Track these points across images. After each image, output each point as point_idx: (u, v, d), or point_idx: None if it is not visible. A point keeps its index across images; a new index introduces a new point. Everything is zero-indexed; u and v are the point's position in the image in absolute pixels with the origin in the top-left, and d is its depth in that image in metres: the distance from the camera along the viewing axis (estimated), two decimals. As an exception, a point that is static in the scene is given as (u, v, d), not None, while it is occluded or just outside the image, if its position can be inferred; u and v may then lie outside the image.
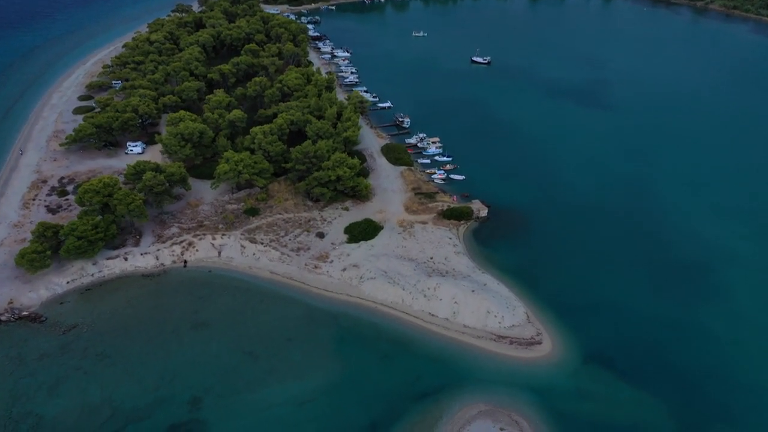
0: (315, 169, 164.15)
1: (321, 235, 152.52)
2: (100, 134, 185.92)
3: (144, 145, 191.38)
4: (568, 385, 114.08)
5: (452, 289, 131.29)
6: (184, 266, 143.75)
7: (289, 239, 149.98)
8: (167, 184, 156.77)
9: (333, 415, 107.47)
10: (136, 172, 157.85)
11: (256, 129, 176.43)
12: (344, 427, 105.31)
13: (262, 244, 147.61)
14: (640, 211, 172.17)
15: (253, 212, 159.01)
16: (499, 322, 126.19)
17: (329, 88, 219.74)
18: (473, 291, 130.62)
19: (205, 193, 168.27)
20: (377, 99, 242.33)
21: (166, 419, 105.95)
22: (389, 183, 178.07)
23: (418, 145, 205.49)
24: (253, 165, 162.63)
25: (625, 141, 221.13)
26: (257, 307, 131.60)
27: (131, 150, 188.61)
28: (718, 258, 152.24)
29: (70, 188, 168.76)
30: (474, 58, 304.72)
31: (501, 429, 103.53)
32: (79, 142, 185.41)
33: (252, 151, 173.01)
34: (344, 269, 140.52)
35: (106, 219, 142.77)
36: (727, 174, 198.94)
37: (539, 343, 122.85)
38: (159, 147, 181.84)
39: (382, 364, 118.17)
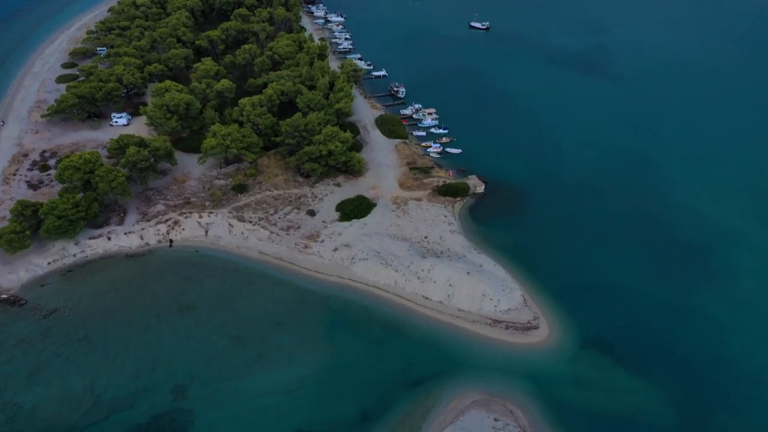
0: (305, 144, 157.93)
1: (312, 213, 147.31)
2: (83, 105, 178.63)
3: (129, 117, 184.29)
4: (565, 372, 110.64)
5: (447, 271, 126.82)
6: (170, 246, 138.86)
7: (279, 217, 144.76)
8: (152, 160, 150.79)
9: (322, 404, 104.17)
10: (119, 147, 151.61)
11: (244, 100, 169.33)
12: (333, 418, 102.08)
13: (250, 222, 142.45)
14: (641, 188, 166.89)
15: (241, 189, 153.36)
16: (495, 306, 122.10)
17: (322, 56, 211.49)
18: (468, 273, 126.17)
19: (193, 168, 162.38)
20: (372, 67, 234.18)
21: (150, 409, 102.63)
22: (383, 157, 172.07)
23: (414, 116, 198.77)
24: (241, 139, 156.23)
25: (627, 112, 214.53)
26: (245, 289, 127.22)
27: (116, 122, 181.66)
28: (721, 238, 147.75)
29: (52, 162, 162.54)
30: (472, 24, 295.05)
31: (495, 419, 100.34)
32: (62, 114, 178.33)
33: (241, 124, 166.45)
34: (335, 249, 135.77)
35: (88, 197, 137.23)
36: (733, 148, 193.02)
37: (536, 327, 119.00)
38: (145, 119, 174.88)
39: (373, 350, 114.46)
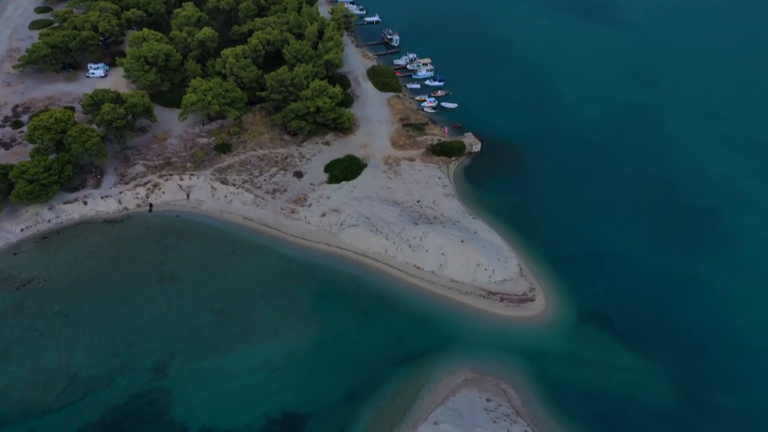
0: (292, 99, 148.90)
1: (299, 175, 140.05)
2: (56, 55, 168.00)
3: (107, 68, 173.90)
4: (561, 348, 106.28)
5: (440, 239, 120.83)
6: (150, 210, 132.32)
7: (264, 179, 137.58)
8: (129, 117, 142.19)
9: (307, 383, 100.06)
10: (94, 103, 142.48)
11: (227, 51, 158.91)
12: (319, 398, 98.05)
13: (234, 185, 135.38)
14: (645, 146, 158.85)
15: (224, 149, 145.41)
16: (489, 276, 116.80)
17: (310, 1, 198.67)
18: (462, 241, 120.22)
19: (174, 125, 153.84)
20: (364, 12, 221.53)
21: (128, 388, 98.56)
22: (375, 112, 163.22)
23: (408, 67, 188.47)
24: (223, 94, 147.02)
25: (633, 61, 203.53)
26: (228, 258, 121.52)
27: (93, 73, 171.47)
28: (730, 200, 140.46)
29: (25, 118, 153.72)
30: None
31: (487, 400, 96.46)
32: (35, 64, 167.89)
33: (223, 77, 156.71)
34: (323, 214, 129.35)
35: (61, 159, 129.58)
36: (746, 101, 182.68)
37: (532, 300, 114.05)
38: (122, 71, 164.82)
39: (361, 324, 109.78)
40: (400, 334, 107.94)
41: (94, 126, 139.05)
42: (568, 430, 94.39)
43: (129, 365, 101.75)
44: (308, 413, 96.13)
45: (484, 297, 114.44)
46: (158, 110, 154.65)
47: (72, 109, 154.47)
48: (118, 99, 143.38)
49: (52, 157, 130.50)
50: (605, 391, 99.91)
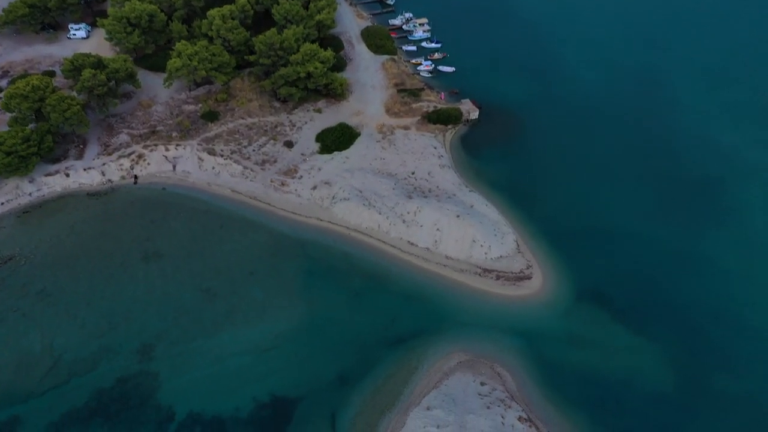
0: (281, 64, 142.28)
1: (289, 145, 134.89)
2: (35, 15, 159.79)
3: (89, 28, 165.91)
4: (558, 329, 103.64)
5: (434, 214, 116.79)
6: (135, 183, 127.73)
7: (253, 150, 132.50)
8: (111, 84, 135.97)
9: (297, 366, 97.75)
10: (75, 68, 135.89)
11: (213, 12, 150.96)
12: (309, 381, 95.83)
13: (222, 156, 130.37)
14: (649, 113, 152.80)
15: (211, 117, 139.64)
16: (486, 253, 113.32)
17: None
18: (458, 216, 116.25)
19: (159, 90, 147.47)
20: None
21: (113, 371, 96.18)
22: (369, 77, 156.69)
23: (404, 27, 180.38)
24: (210, 58, 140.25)
25: (637, 23, 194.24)
26: (216, 233, 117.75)
27: (74, 34, 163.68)
28: (735, 171, 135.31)
29: (3, 83, 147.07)
30: None
31: (481, 384, 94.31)
32: (12, 25, 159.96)
33: (210, 40, 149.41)
34: (314, 187, 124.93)
35: (40, 129, 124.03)
36: (755, 66, 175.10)
37: (528, 277, 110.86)
38: (104, 33, 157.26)
39: (353, 303, 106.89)
40: (393, 314, 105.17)
41: (74, 93, 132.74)
42: (564, 414, 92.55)
43: (114, 347, 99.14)
44: (298, 397, 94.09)
45: (479, 275, 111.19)
46: (143, 74, 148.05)
47: (52, 73, 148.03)
48: (99, 64, 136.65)
49: (30, 127, 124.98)
50: (603, 373, 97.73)
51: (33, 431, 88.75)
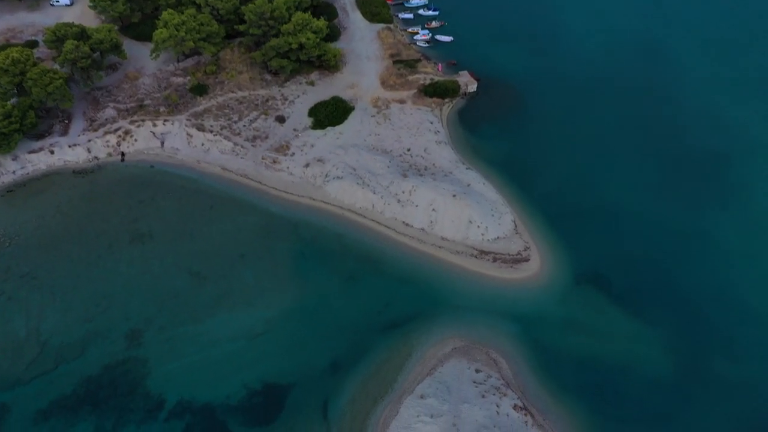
0: (272, 34, 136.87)
1: (281, 120, 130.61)
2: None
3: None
4: (556, 313, 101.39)
5: (430, 194, 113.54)
6: (122, 160, 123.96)
7: (244, 125, 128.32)
8: (96, 54, 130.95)
9: (289, 352, 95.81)
10: (57, 39, 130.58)
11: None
12: (301, 368, 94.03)
13: (211, 132, 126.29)
14: (653, 87, 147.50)
15: (200, 90, 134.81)
16: (482, 234, 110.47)
17: None
18: (454, 196, 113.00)
19: (146, 61, 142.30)
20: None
21: (101, 357, 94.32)
22: (364, 47, 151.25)
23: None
24: (198, 28, 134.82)
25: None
26: (206, 214, 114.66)
27: (57, 1, 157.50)
28: (741, 148, 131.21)
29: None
30: None
31: (476, 371, 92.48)
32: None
33: (198, 8, 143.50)
34: (307, 165, 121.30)
35: (22, 104, 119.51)
36: (762, 37, 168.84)
37: (526, 260, 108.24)
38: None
39: (347, 287, 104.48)
40: (387, 298, 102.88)
41: (56, 66, 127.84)
42: (560, 402, 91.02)
43: (102, 333, 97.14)
44: (290, 384, 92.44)
45: (475, 257, 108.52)
46: (129, 44, 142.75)
47: (35, 43, 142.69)
48: (83, 34, 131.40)
49: (12, 102, 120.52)
50: (601, 360, 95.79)
51: (20, 419, 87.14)
